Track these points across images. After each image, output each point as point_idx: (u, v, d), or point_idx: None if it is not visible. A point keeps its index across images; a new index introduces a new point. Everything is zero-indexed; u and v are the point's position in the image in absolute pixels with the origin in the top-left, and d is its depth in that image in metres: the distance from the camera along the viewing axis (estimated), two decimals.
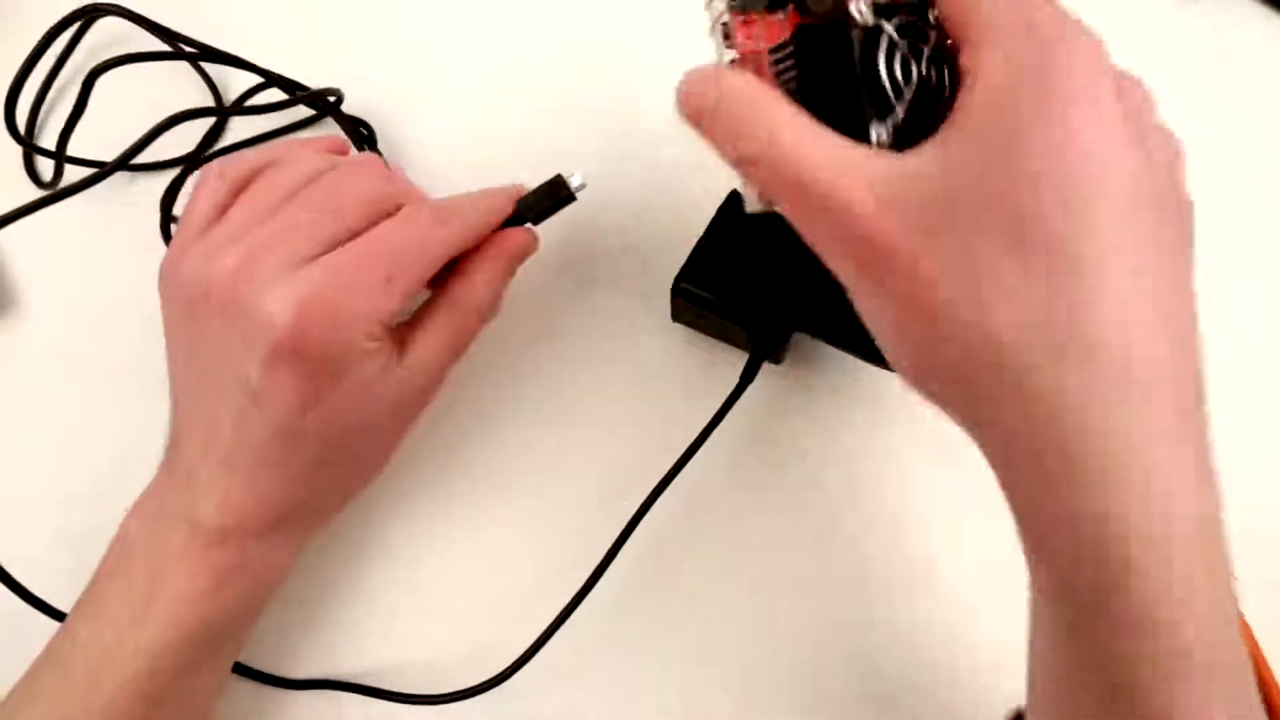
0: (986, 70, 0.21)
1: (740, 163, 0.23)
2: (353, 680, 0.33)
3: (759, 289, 0.31)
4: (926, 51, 0.22)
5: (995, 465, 0.22)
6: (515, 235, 0.31)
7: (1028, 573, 0.22)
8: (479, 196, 0.31)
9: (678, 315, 0.34)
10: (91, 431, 0.36)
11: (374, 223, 0.28)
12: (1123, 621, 0.20)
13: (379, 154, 0.38)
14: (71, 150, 0.38)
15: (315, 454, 0.28)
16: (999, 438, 0.21)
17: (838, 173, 0.21)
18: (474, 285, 0.30)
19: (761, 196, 0.23)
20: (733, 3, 0.24)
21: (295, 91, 0.38)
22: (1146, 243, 0.20)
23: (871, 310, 0.22)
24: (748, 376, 0.32)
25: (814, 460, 0.34)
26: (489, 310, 0.31)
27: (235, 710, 0.33)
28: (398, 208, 0.29)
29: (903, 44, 0.22)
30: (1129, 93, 0.21)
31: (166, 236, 0.36)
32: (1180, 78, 0.39)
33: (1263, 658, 0.27)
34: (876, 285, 0.22)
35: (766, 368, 0.33)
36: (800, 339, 0.34)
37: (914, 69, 0.22)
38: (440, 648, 0.33)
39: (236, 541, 0.28)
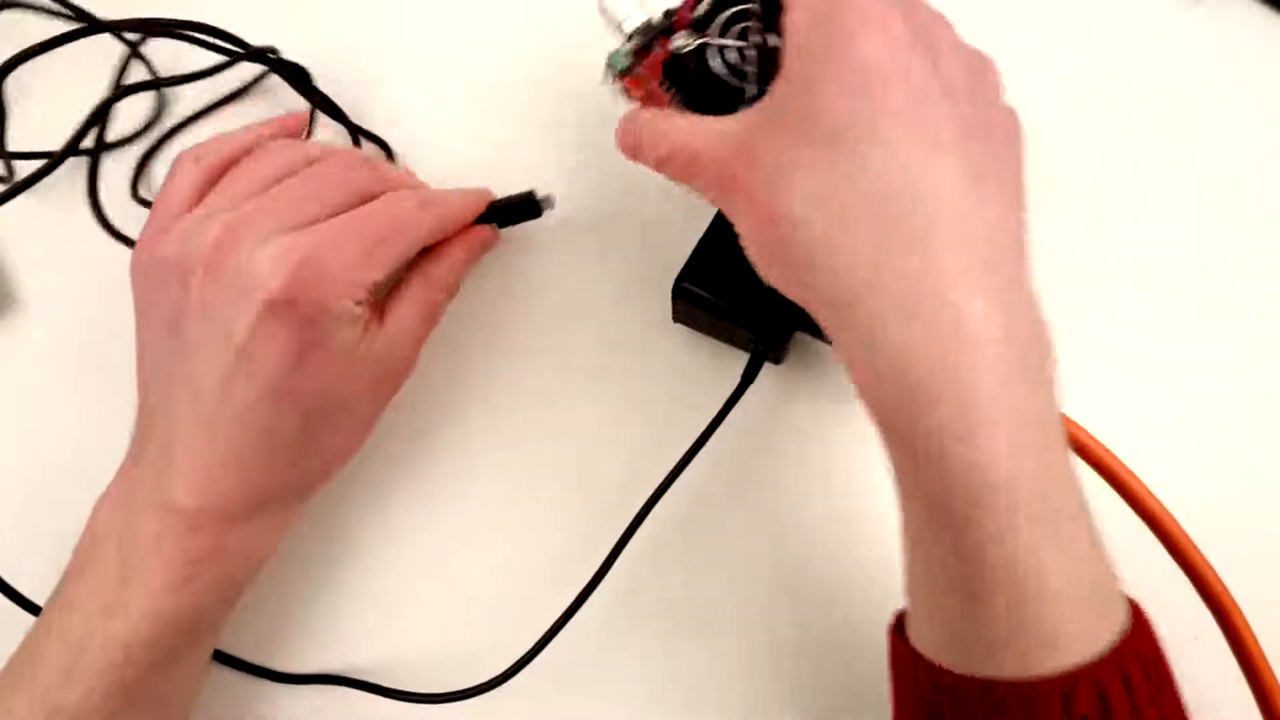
0: (793, 23, 0.24)
1: (659, 166, 0.28)
2: (353, 676, 0.33)
3: (760, 289, 0.31)
4: (754, 32, 0.28)
5: (835, 346, 0.24)
6: (483, 231, 0.34)
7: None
8: (458, 191, 0.33)
9: (679, 316, 0.34)
10: (91, 432, 0.36)
11: (357, 204, 0.29)
12: (932, 434, 0.21)
13: (322, 95, 0.38)
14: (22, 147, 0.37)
15: (298, 420, 0.28)
16: (828, 322, 0.24)
17: (698, 135, 0.26)
18: (443, 265, 0.32)
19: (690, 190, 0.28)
20: (619, 74, 0.31)
21: (230, 49, 0.37)
22: (929, 130, 0.22)
23: (741, 233, 0.26)
24: (749, 377, 0.32)
25: (816, 459, 0.34)
26: (453, 289, 0.33)
27: (232, 704, 0.33)
28: (385, 190, 0.30)
29: (731, 41, 0.28)
30: (914, 15, 0.24)
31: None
32: (1184, 79, 0.39)
33: (1263, 657, 0.27)
34: (735, 209, 0.26)
35: (767, 368, 0.33)
36: (801, 339, 0.34)
37: (746, 52, 0.28)
38: (441, 646, 0.33)
39: (211, 527, 0.27)
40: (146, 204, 0.38)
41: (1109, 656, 0.21)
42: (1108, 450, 0.28)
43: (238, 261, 0.27)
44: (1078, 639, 0.21)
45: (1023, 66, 0.39)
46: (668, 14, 0.31)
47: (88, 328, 0.37)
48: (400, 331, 0.30)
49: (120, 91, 0.35)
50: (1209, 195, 0.37)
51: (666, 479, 0.31)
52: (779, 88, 0.24)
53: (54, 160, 0.33)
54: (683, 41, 0.29)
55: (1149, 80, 0.39)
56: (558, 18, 0.37)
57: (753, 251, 0.26)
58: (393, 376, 0.31)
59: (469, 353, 0.36)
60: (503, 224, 0.34)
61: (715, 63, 0.28)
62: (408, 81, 0.39)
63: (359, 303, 0.28)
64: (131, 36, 0.39)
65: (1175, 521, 0.28)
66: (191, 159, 0.30)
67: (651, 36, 0.31)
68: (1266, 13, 0.40)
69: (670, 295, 0.32)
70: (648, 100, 0.31)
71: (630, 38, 0.32)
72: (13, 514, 0.35)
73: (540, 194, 0.34)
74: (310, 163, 0.30)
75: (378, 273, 0.29)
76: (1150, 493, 0.28)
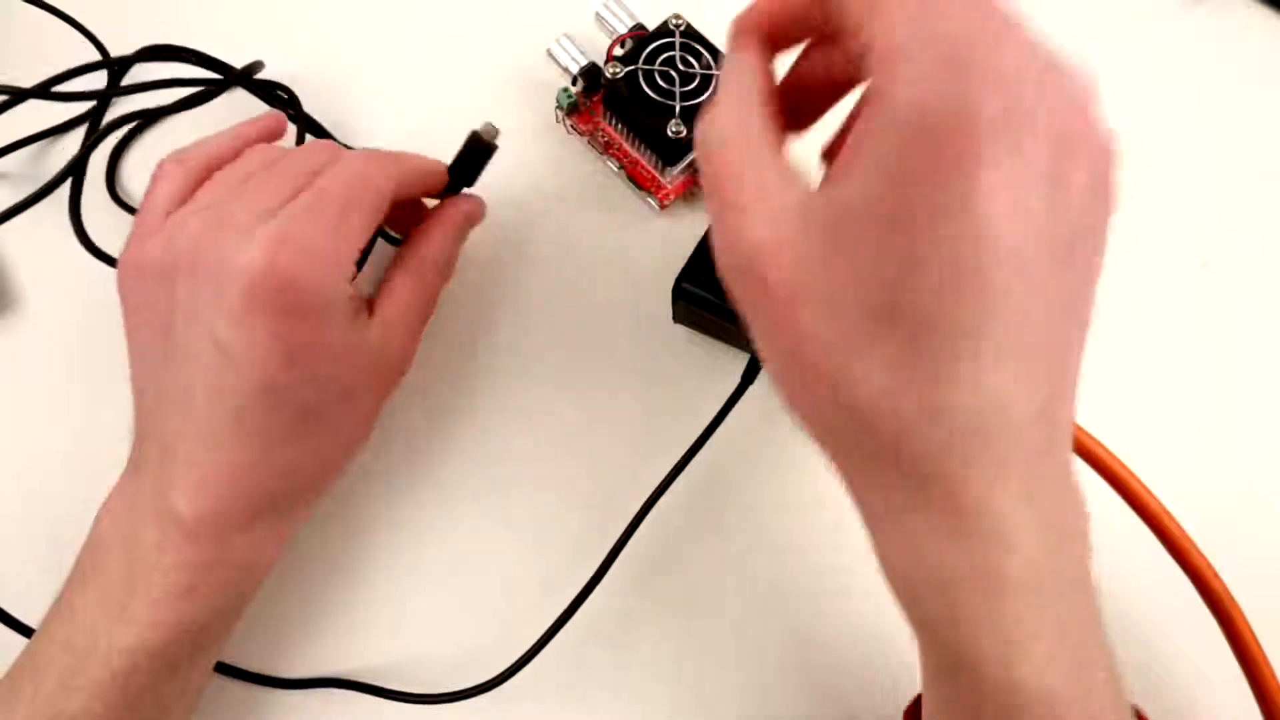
0: (889, 100, 0.18)
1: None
2: (351, 678, 0.33)
3: None
4: (678, 58, 0.33)
5: (863, 514, 0.22)
6: (464, 200, 0.33)
7: None
8: (409, 152, 0.32)
9: (679, 316, 0.34)
10: (90, 434, 0.36)
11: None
12: (971, 650, 0.20)
13: (306, 116, 0.38)
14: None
15: (293, 417, 0.27)
16: (859, 487, 0.22)
17: (765, 223, 0.20)
18: (430, 242, 0.31)
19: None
20: (566, 112, 0.37)
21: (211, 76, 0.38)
22: (1038, 312, 0.18)
23: (763, 347, 0.22)
24: (749, 377, 0.32)
25: (816, 459, 0.34)
26: (446, 268, 0.32)
27: (232, 711, 0.33)
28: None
29: (656, 68, 0.34)
30: (1055, 96, 0.19)
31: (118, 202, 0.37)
32: (1186, 80, 0.39)
33: (1264, 657, 0.27)
34: (764, 320, 0.21)
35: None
36: None
37: (671, 74, 0.33)
38: (440, 647, 0.33)
39: (211, 535, 0.27)
40: (125, 206, 0.38)
41: None
42: (1109, 451, 0.28)
43: (217, 257, 0.26)
44: None
45: None
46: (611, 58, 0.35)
47: (86, 330, 0.37)
48: (394, 318, 0.29)
49: (111, 125, 0.36)
50: (1209, 195, 0.38)
51: (666, 479, 0.31)
52: (854, 185, 0.19)
53: (49, 185, 0.33)
54: (614, 70, 0.33)
55: (1149, 80, 0.39)
56: (540, 29, 0.37)
57: (778, 372, 0.22)
58: (390, 369, 0.30)
59: (465, 355, 0.36)
60: (470, 181, 0.33)
61: (644, 85, 0.33)
62: (388, 97, 0.39)
63: (346, 277, 0.27)
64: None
65: (1176, 521, 0.28)
66: (174, 162, 0.30)
67: (595, 77, 0.36)
68: (1266, 13, 0.40)
69: (670, 295, 0.32)
70: (594, 135, 0.37)
71: (575, 80, 0.36)
72: (10, 515, 0.35)
73: (479, 129, 0.32)
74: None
75: (355, 238, 0.27)
76: (1150, 492, 0.28)
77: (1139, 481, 0.28)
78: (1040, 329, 0.19)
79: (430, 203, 0.34)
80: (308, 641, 0.33)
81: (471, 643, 0.33)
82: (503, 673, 0.31)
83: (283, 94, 0.38)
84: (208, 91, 0.37)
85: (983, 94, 0.17)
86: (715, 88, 0.31)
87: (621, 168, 0.37)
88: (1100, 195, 0.20)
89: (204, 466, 0.26)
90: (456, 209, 0.32)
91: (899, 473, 0.20)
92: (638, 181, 0.37)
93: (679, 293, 0.32)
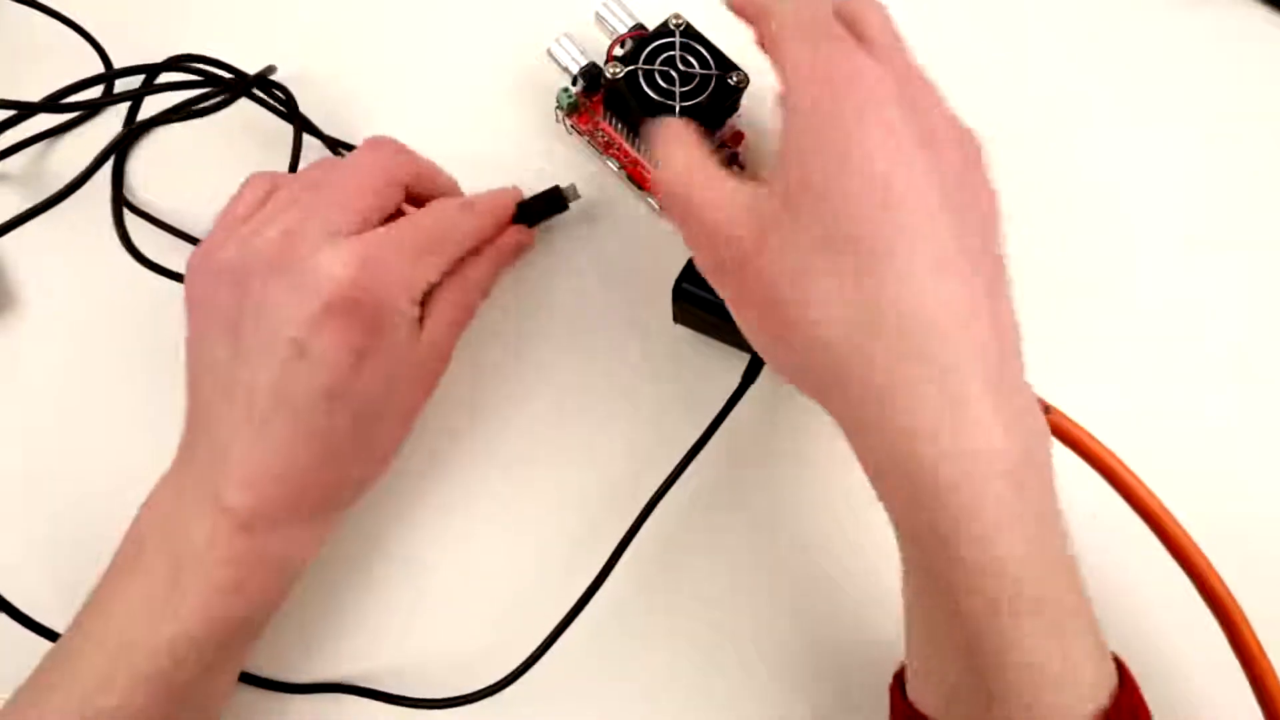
0: (794, 107, 0.25)
1: (667, 213, 0.28)
2: (358, 684, 0.33)
3: None
4: (678, 58, 0.33)
5: (845, 433, 0.25)
6: (514, 234, 0.35)
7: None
8: (493, 194, 0.34)
9: (679, 317, 0.34)
10: (90, 434, 0.36)
11: (398, 195, 0.31)
12: (944, 542, 0.22)
13: (304, 119, 0.38)
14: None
15: (349, 421, 0.28)
16: (837, 411, 0.25)
17: (717, 207, 0.26)
18: (479, 268, 0.33)
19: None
20: (566, 112, 0.37)
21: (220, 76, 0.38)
22: (937, 246, 0.23)
23: (738, 312, 0.27)
24: (749, 377, 0.32)
25: (817, 459, 0.34)
26: (487, 291, 0.34)
27: (238, 716, 0.33)
28: (417, 176, 0.32)
29: (656, 68, 0.33)
30: (917, 101, 0.25)
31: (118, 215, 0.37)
32: (1186, 79, 0.39)
33: (1266, 658, 0.27)
34: (735, 289, 0.26)
35: (768, 368, 0.33)
36: None
37: (670, 74, 0.33)
38: (444, 652, 0.33)
39: (262, 530, 0.27)
40: (131, 207, 0.38)
41: (1099, 716, 0.22)
42: (1108, 450, 0.28)
43: (300, 262, 0.27)
44: (1071, 705, 0.22)
45: (1022, 67, 0.40)
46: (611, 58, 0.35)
47: (86, 329, 0.37)
48: (438, 332, 0.31)
49: (136, 129, 0.36)
50: (1210, 195, 0.38)
51: (667, 480, 0.31)
52: (791, 175, 0.25)
53: (66, 189, 0.34)
54: (614, 70, 0.33)
55: (1149, 80, 0.39)
56: (541, 29, 0.37)
57: (754, 333, 0.27)
58: (431, 378, 0.32)
59: (466, 359, 0.36)
60: (532, 222, 0.36)
61: (644, 85, 0.33)
62: (387, 97, 0.39)
63: (413, 301, 0.29)
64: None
65: (1176, 521, 0.27)
66: (264, 176, 0.32)
67: (595, 77, 0.36)
68: (1267, 13, 0.40)
69: (671, 296, 0.32)
70: (594, 134, 0.37)
71: (575, 80, 0.36)
72: (11, 515, 0.35)
73: (563, 186, 0.36)
74: None
75: (431, 273, 0.30)
76: (1150, 491, 0.28)
77: (1138, 480, 0.28)
78: (948, 246, 0.23)
79: None
80: (314, 647, 0.34)
81: (476, 647, 0.33)
82: (507, 676, 0.31)
83: (280, 93, 0.38)
84: (223, 95, 0.37)
85: (852, 96, 0.24)
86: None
87: (621, 168, 0.37)
88: (970, 149, 0.26)
89: (259, 463, 0.27)
90: (510, 240, 0.34)
91: (862, 387, 0.23)
92: (638, 181, 0.37)
93: (679, 293, 0.32)
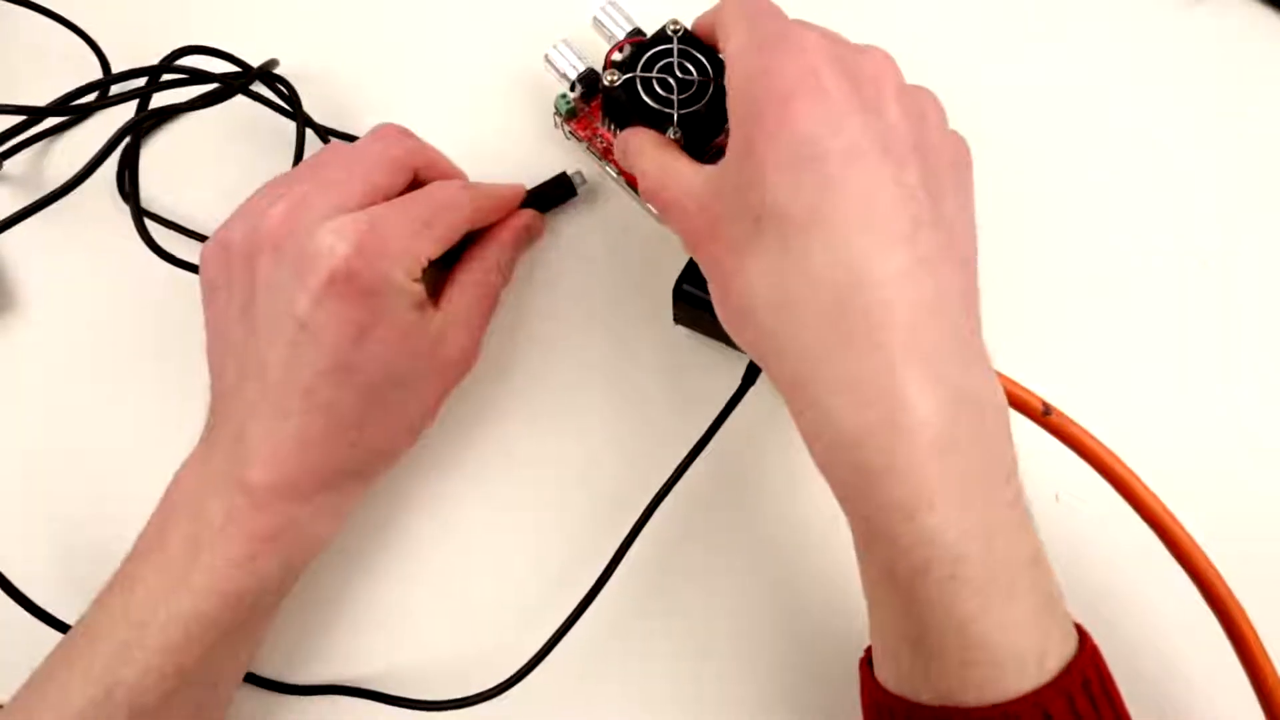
0: (730, 83, 0.26)
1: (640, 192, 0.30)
2: (358, 685, 0.33)
3: None
4: (676, 65, 0.32)
5: (787, 405, 0.25)
6: (524, 216, 0.35)
7: None
8: (497, 184, 0.35)
9: (679, 318, 0.34)
10: (91, 432, 0.36)
11: (403, 179, 0.31)
12: (874, 511, 0.22)
13: (306, 116, 0.38)
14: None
15: (360, 394, 0.28)
16: (778, 383, 0.25)
17: (670, 186, 0.28)
18: (491, 248, 0.34)
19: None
20: (565, 117, 0.37)
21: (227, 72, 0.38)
22: (873, 213, 0.23)
23: (709, 288, 0.27)
24: (749, 378, 0.32)
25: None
26: (507, 270, 0.34)
27: (239, 716, 0.33)
28: (424, 163, 0.32)
29: (654, 75, 0.32)
30: (858, 67, 0.25)
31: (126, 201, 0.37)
32: (1186, 79, 0.39)
33: (1265, 654, 0.27)
34: (701, 265, 0.27)
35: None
36: None
37: (669, 81, 0.32)
38: (445, 655, 0.33)
39: (277, 505, 0.28)
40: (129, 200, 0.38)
41: (1050, 684, 0.22)
42: (1110, 451, 0.28)
43: (300, 238, 0.28)
44: (1023, 674, 0.22)
45: (1021, 66, 0.40)
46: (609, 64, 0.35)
47: (86, 329, 0.37)
48: (456, 313, 0.32)
49: (144, 119, 0.36)
50: (1209, 195, 0.37)
51: (668, 482, 0.31)
52: (729, 150, 0.25)
53: (70, 183, 0.34)
54: (612, 78, 0.32)
55: (1149, 80, 0.39)
56: (541, 33, 0.37)
57: (718, 310, 0.27)
58: (450, 361, 0.32)
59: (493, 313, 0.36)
60: (542, 209, 0.36)
61: (642, 92, 0.32)
62: (387, 99, 0.40)
63: (414, 277, 0.29)
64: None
65: (1179, 523, 0.27)
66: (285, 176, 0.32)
67: (593, 83, 0.36)
68: (1267, 13, 0.40)
69: (670, 298, 0.32)
70: (593, 140, 0.37)
71: (573, 86, 0.36)
72: (13, 514, 0.35)
73: (570, 172, 0.36)
74: None
75: (430, 246, 0.30)
76: (1153, 494, 0.28)
77: (1140, 481, 0.28)
78: (883, 210, 0.23)
79: None
80: (314, 647, 0.34)
81: (476, 649, 0.33)
82: (507, 680, 0.31)
83: (283, 88, 0.38)
84: (227, 89, 0.37)
85: (783, 63, 0.24)
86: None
87: (620, 174, 0.36)
88: (913, 110, 0.25)
89: (276, 438, 0.28)
90: (520, 221, 0.35)
91: (795, 360, 0.24)
92: (635, 187, 0.36)
93: (679, 294, 0.32)
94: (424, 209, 0.30)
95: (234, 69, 0.38)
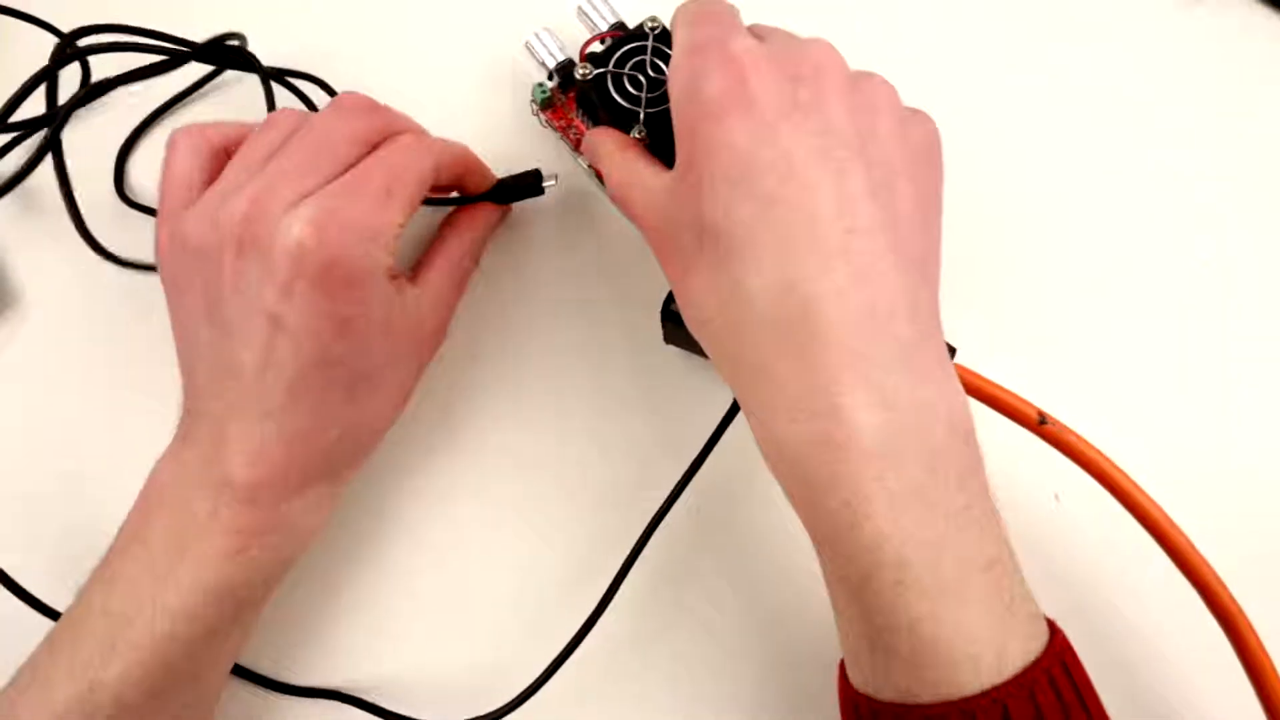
0: (672, 97, 0.26)
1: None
2: (357, 694, 0.33)
3: None
4: (648, 63, 0.32)
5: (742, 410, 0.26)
6: (495, 207, 0.35)
7: None
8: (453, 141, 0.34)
9: (669, 338, 0.33)
10: (91, 432, 0.36)
11: (365, 152, 0.30)
12: (819, 518, 0.23)
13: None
14: None
15: (345, 385, 0.28)
16: (735, 391, 0.26)
17: (634, 187, 0.28)
18: (461, 231, 0.34)
19: None
20: (541, 106, 0.36)
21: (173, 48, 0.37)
22: (811, 233, 0.23)
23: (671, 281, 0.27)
24: None
25: None
26: (477, 253, 0.35)
27: (228, 711, 0.33)
28: (386, 133, 0.31)
29: (626, 72, 0.32)
30: (797, 68, 0.24)
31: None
32: (1186, 79, 0.39)
33: (1266, 656, 0.27)
34: (665, 272, 0.27)
35: None
36: None
37: (639, 79, 0.32)
38: (445, 669, 0.33)
39: (266, 500, 0.28)
40: (132, 203, 0.37)
41: (1010, 681, 0.22)
42: (1107, 459, 0.28)
43: (265, 231, 0.27)
44: (978, 673, 0.22)
45: (1020, 66, 0.39)
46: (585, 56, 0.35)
47: (86, 328, 0.37)
48: (431, 292, 0.32)
49: (85, 95, 0.34)
50: (1209, 194, 0.37)
51: (666, 502, 0.31)
52: (676, 163, 0.25)
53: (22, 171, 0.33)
54: (584, 71, 0.32)
55: (1149, 80, 0.39)
56: (525, 19, 0.37)
57: (681, 312, 0.27)
58: (427, 340, 0.32)
59: (461, 381, 0.36)
60: (507, 200, 0.36)
61: (611, 89, 0.32)
62: (365, 78, 0.38)
63: (388, 250, 0.28)
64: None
65: (1178, 528, 0.27)
66: (186, 135, 0.30)
67: (570, 74, 0.35)
68: (1267, 13, 0.39)
69: (660, 317, 0.32)
70: (567, 131, 0.37)
71: (551, 76, 0.36)
72: (14, 513, 0.35)
73: (545, 174, 0.35)
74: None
75: (397, 214, 0.29)
76: (1151, 499, 0.28)
77: (1141, 490, 0.28)
78: (817, 224, 0.23)
79: None
80: (311, 650, 0.34)
81: (476, 668, 0.33)
82: (507, 704, 0.31)
83: (249, 56, 0.38)
84: (171, 61, 0.36)
85: (711, 75, 0.24)
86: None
87: (590, 166, 0.36)
88: (861, 103, 0.25)
89: (259, 436, 0.27)
90: (493, 211, 0.35)
91: (746, 370, 0.24)
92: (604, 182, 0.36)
93: (668, 315, 0.31)
94: (383, 176, 0.29)
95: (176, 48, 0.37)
